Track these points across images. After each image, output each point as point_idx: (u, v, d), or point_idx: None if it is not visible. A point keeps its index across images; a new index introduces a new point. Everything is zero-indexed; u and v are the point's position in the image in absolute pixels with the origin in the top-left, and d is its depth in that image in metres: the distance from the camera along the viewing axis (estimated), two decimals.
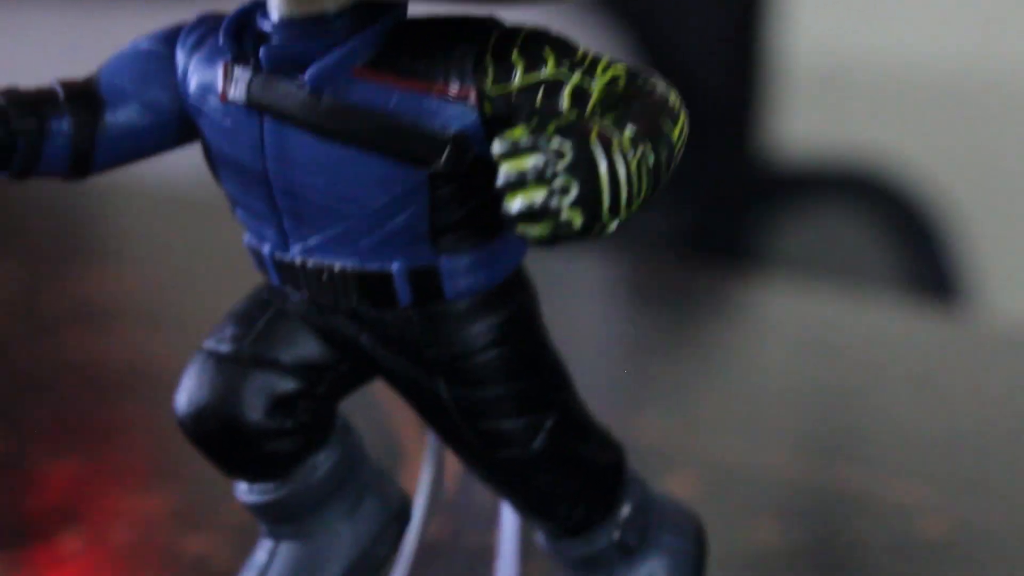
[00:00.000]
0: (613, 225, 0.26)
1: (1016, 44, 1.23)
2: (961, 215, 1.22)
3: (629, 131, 0.27)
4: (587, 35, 1.13)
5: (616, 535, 0.34)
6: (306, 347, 0.33)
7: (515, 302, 0.32)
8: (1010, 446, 0.56)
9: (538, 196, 0.26)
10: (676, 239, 1.18)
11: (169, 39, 0.32)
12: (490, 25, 0.30)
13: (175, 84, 0.32)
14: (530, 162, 0.26)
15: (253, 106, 0.31)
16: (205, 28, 0.32)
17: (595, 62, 0.29)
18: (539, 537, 0.35)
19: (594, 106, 0.29)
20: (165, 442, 0.50)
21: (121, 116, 0.32)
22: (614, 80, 0.29)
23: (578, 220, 0.26)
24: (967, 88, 1.25)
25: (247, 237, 0.33)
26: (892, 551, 0.45)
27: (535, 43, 0.30)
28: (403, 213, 0.30)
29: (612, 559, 0.34)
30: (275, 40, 0.30)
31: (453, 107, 0.30)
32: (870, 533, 0.46)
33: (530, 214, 0.26)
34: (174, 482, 0.48)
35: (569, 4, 0.26)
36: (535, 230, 0.26)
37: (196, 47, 0.32)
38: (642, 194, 0.27)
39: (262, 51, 0.30)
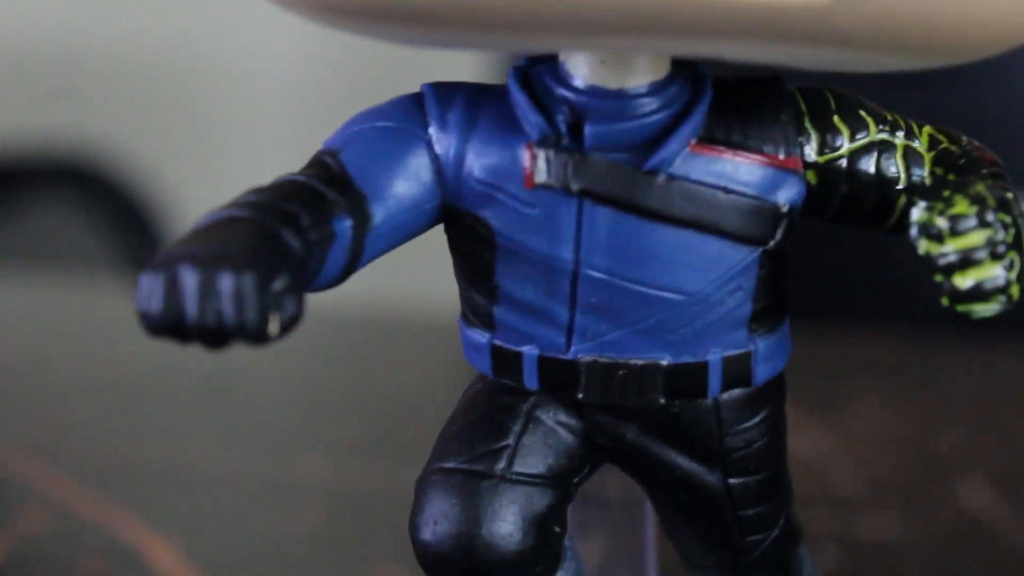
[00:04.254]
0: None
1: (173, 22, 1.23)
2: (169, 189, 1.22)
3: (1011, 195, 0.26)
4: None
5: None
6: (562, 454, 0.30)
7: (783, 388, 0.31)
8: None
9: (995, 273, 0.25)
10: None
11: (409, 114, 0.29)
12: (784, 86, 0.29)
13: (433, 168, 0.28)
14: (980, 238, 0.25)
15: (574, 191, 0.28)
16: (463, 100, 0.29)
17: (906, 121, 0.29)
18: None
19: (931, 167, 0.28)
20: None
21: (389, 209, 0.28)
22: (933, 139, 0.29)
23: (1018, 293, 0.26)
24: (151, 66, 1.24)
25: (484, 339, 0.30)
26: None
27: (849, 105, 0.29)
28: (731, 297, 0.29)
29: None
30: (595, 115, 0.28)
31: (786, 177, 0.28)
32: None
33: (980, 292, 0.25)
34: None
35: None
36: (985, 308, 0.26)
37: (469, 125, 0.28)
38: None
39: (589, 129, 0.27)
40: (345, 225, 0.27)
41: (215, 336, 0.24)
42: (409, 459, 0.51)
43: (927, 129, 0.29)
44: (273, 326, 0.24)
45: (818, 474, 0.52)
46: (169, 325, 0.24)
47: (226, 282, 0.23)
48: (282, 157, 1.30)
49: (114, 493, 0.50)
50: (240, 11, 1.25)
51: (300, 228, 0.26)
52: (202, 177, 1.23)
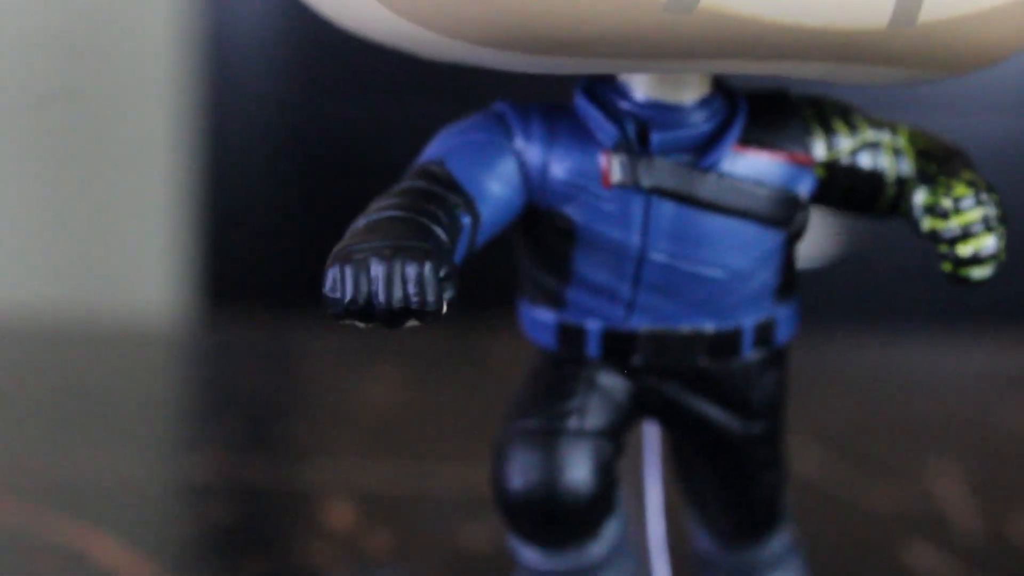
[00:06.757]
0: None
1: None
2: None
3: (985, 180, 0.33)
4: None
5: (793, 529, 0.40)
6: (616, 410, 0.35)
7: (790, 355, 0.37)
8: None
9: (990, 242, 0.33)
10: None
11: (497, 129, 0.34)
12: (791, 97, 0.35)
13: (521, 173, 0.33)
14: (978, 215, 0.33)
15: (644, 188, 0.33)
16: (539, 115, 0.34)
17: (890, 124, 0.35)
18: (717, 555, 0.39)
19: (915, 160, 0.35)
20: None
21: (490, 208, 0.33)
22: (912, 136, 0.35)
23: (1003, 257, 0.33)
24: None
25: (550, 317, 0.35)
26: None
27: (845, 112, 0.35)
28: (764, 272, 0.34)
29: (791, 555, 0.40)
30: (658, 125, 0.33)
31: (803, 172, 0.34)
32: None
33: (977, 258, 0.32)
34: None
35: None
36: (981, 271, 0.33)
37: (551, 137, 0.34)
38: None
39: (655, 137, 0.33)
40: (466, 221, 0.32)
41: (397, 316, 0.29)
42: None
43: (906, 130, 0.35)
44: (444, 306, 0.29)
45: None
46: (357, 309, 0.29)
47: (411, 270, 0.29)
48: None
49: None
50: None
51: (443, 225, 0.31)
52: None
